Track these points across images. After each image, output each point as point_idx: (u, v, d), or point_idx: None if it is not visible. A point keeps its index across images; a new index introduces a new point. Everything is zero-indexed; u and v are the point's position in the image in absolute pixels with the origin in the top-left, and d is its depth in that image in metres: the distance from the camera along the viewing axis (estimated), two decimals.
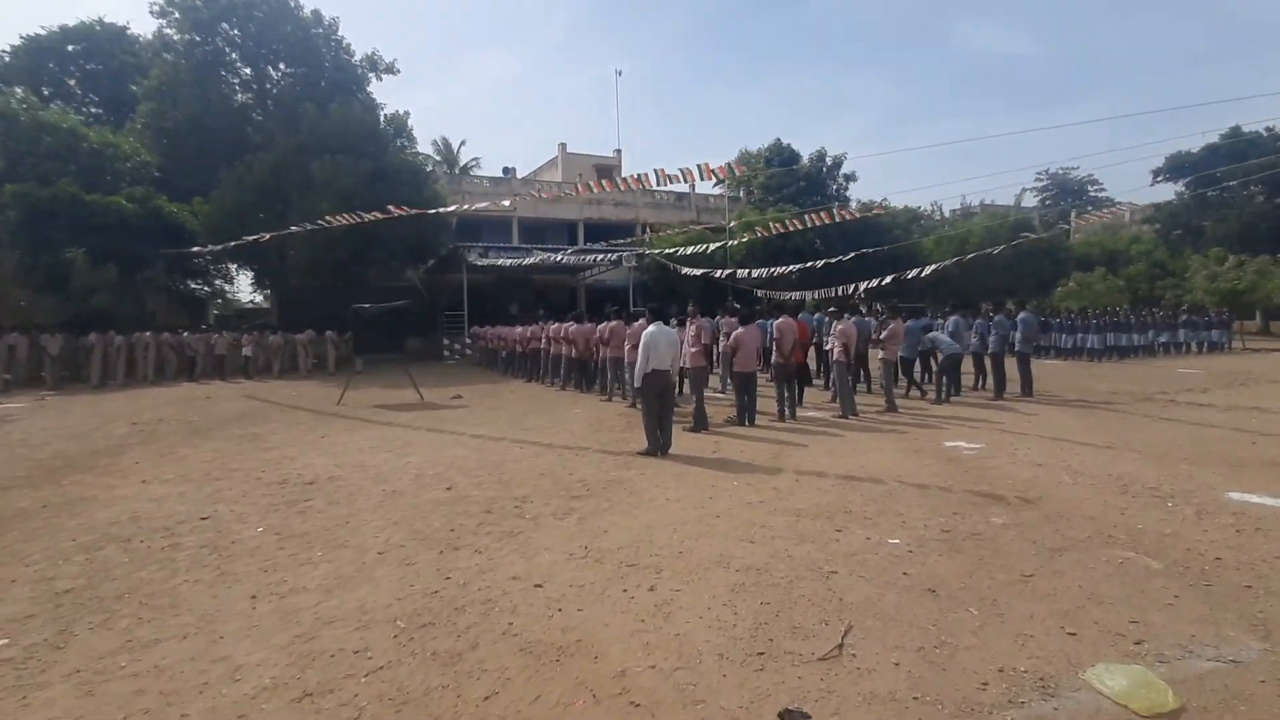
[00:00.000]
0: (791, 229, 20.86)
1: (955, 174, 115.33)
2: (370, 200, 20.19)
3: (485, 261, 24.97)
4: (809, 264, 21.64)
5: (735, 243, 32.79)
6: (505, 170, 36.59)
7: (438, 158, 43.19)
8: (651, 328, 7.32)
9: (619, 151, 38.21)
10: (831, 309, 13.07)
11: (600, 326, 12.29)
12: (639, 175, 12.76)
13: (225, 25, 23.19)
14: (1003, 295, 41.53)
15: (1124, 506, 5.17)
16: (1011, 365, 12.05)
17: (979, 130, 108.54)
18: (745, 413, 9.18)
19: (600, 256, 27.91)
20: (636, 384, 7.33)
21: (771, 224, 32.65)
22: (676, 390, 9.03)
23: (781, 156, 36.19)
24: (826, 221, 16.51)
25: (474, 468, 7.03)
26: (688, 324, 9.42)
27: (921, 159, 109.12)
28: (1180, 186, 38.31)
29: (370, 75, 26.29)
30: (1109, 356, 20.25)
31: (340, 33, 25.10)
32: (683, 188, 37.98)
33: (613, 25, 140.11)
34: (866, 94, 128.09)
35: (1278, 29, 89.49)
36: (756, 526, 4.82)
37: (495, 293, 32.86)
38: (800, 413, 10.33)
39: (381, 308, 12.86)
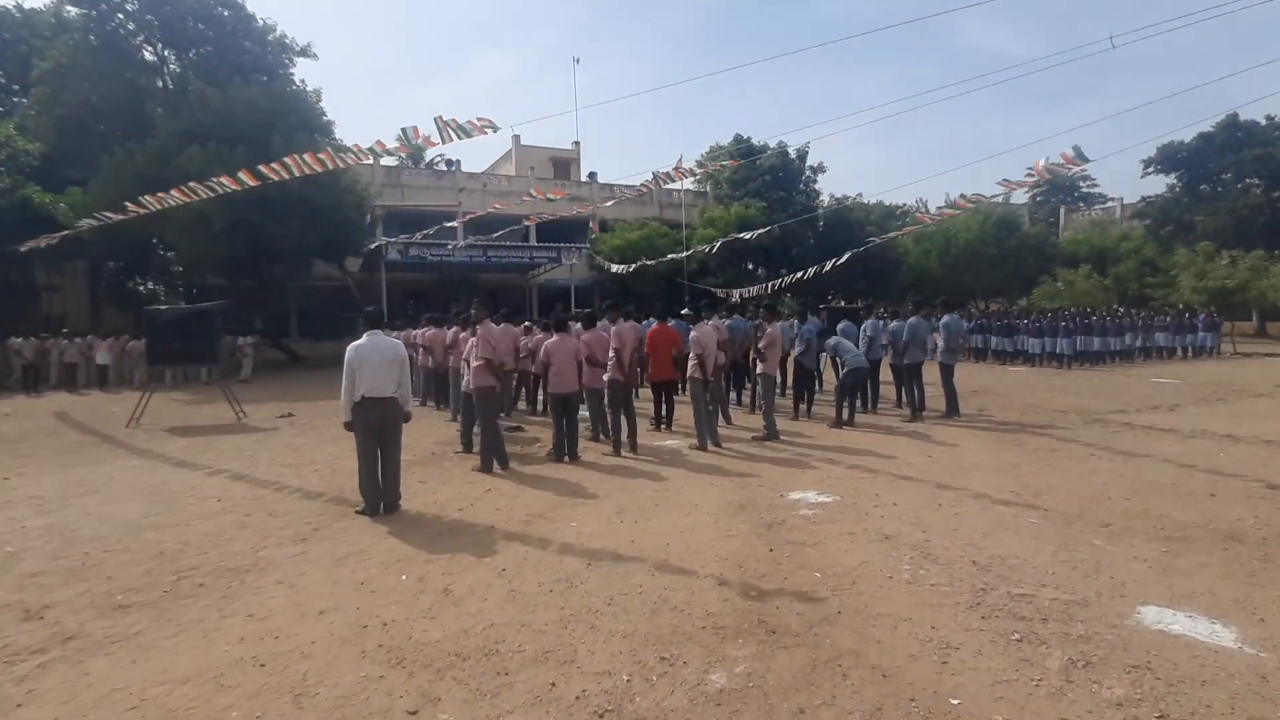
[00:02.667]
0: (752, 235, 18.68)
1: (953, 173, 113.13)
2: (255, 193, 18.19)
3: (402, 258, 22.88)
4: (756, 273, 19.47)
5: (696, 237, 30.75)
6: (449, 163, 34.54)
7: (403, 152, 41.23)
8: (362, 339, 5.25)
9: (578, 144, 36.06)
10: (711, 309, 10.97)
11: (452, 331, 10.27)
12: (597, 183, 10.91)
13: (128, 4, 21.15)
14: (989, 293, 39.58)
15: (959, 642, 3.08)
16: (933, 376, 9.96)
17: (977, 129, 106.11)
18: (561, 444, 7.12)
19: (529, 254, 25.81)
20: (345, 417, 5.27)
21: (735, 218, 30.94)
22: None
23: (745, 150, 34.10)
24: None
25: (98, 535, 4.98)
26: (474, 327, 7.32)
27: (917, 158, 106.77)
28: (1172, 179, 36.14)
29: (287, 59, 24.28)
30: (1080, 363, 18.13)
31: (252, 11, 23.07)
32: (644, 178, 36.00)
33: (613, 26, 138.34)
34: (866, 94, 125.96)
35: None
36: (287, 694, 2.75)
37: (439, 293, 30.85)
38: (658, 441, 8.26)
39: (183, 310, 10.80)
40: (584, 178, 34.88)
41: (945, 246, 35.73)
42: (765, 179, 33.62)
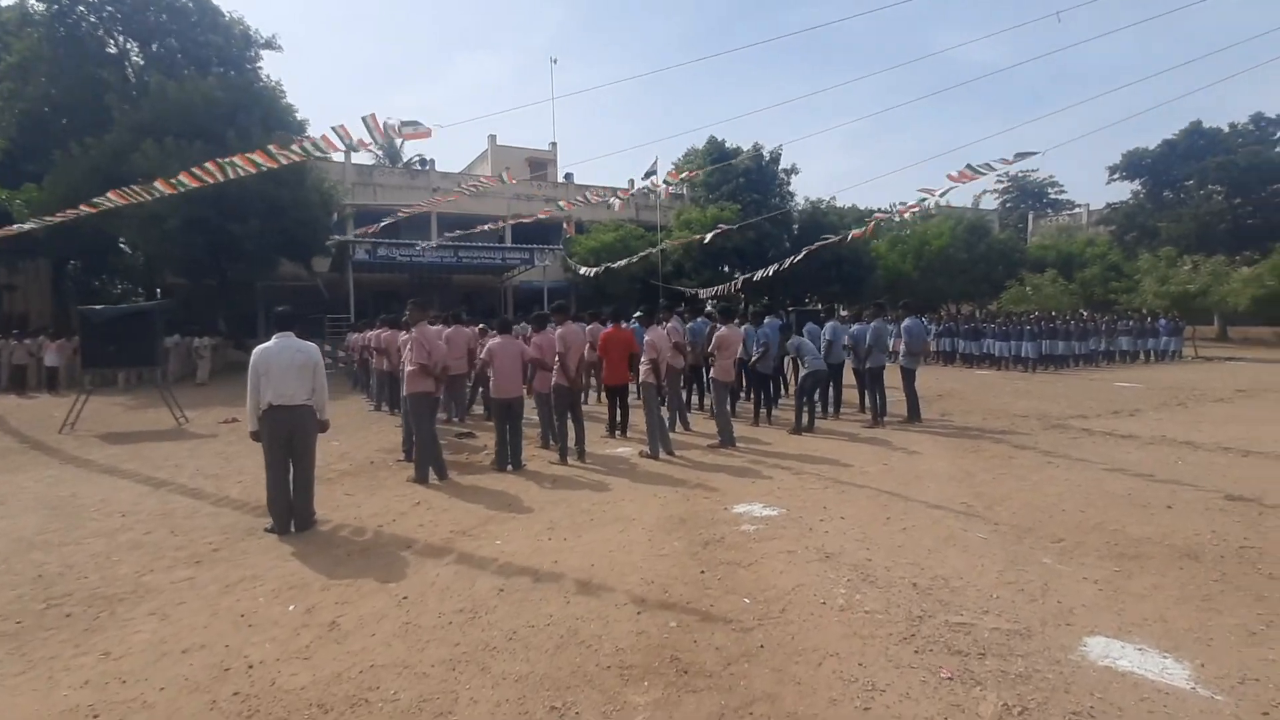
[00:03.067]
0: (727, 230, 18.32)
1: (927, 178, 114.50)
2: (213, 189, 17.48)
3: (370, 257, 22.29)
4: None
5: (672, 239, 30.50)
6: (423, 161, 33.90)
7: (381, 152, 40.40)
8: (269, 342, 4.85)
9: (554, 145, 35.63)
10: (684, 311, 10.69)
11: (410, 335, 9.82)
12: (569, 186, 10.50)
13: None
14: (960, 297, 39.91)
15: (886, 682, 2.79)
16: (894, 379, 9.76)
17: (956, 136, 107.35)
18: (504, 452, 6.76)
19: (501, 256, 25.36)
20: (251, 426, 4.86)
21: (709, 220, 30.71)
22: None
23: (719, 154, 33.94)
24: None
25: None
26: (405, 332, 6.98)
27: (894, 163, 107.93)
28: (1137, 185, 36.77)
29: (253, 53, 23.57)
30: (1045, 366, 18.18)
31: (217, 4, 22.33)
32: (620, 183, 35.67)
33: (602, 31, 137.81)
34: (848, 102, 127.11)
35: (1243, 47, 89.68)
36: None
37: (412, 294, 30.20)
38: (610, 449, 7.93)
39: (119, 311, 10.21)
40: (560, 179, 34.48)
41: (919, 251, 35.95)
42: (740, 181, 33.49)
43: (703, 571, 4.05)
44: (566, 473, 6.75)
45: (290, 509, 4.91)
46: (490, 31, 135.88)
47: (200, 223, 17.08)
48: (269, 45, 23.49)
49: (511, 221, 20.53)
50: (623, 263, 19.60)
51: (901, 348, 9.50)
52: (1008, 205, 61.67)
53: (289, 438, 4.84)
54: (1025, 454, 7.44)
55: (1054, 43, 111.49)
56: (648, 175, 29.98)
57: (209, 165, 9.78)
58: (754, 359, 9.11)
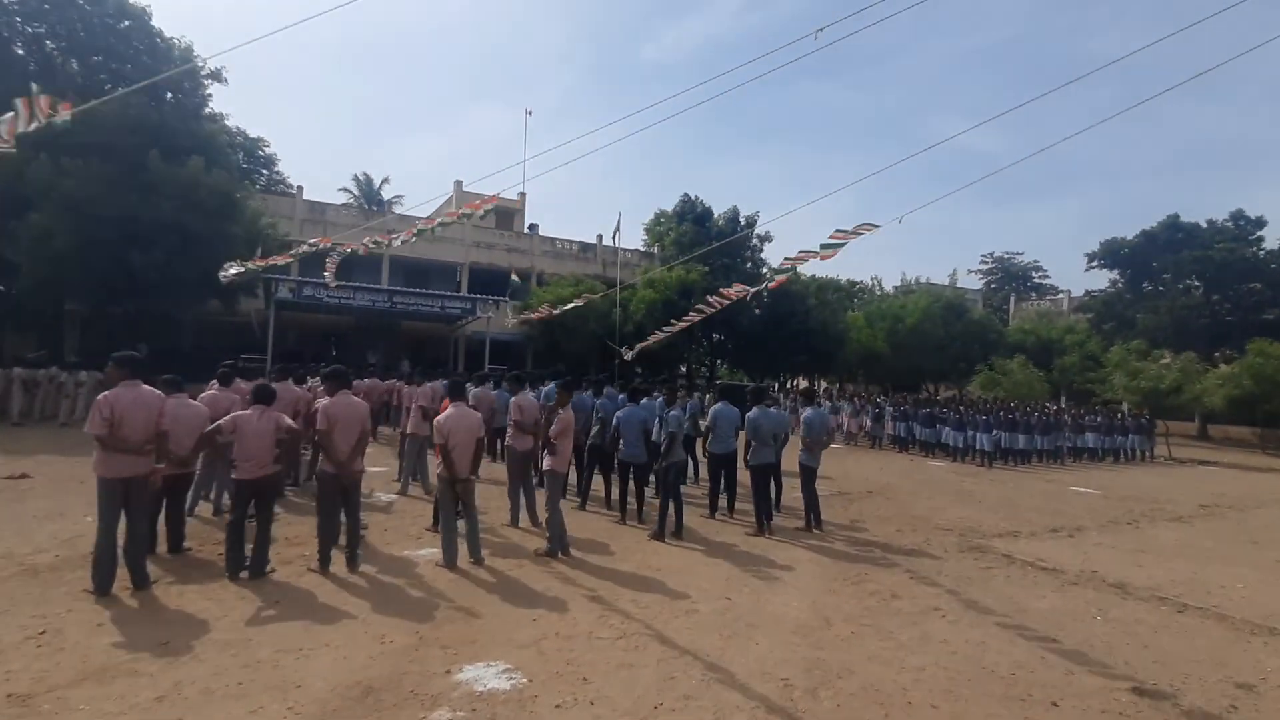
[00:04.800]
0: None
1: (917, 256, 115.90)
2: (117, 212, 16.43)
3: (294, 296, 21.10)
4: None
5: (636, 298, 29.57)
6: (380, 203, 33.26)
7: (355, 192, 39.98)
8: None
9: (523, 195, 35.17)
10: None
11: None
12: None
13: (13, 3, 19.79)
14: (935, 378, 38.83)
15: None
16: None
17: (947, 218, 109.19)
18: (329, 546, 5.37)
19: (440, 304, 24.28)
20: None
21: (675, 281, 29.85)
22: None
23: (693, 214, 33.48)
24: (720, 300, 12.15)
25: None
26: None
27: (888, 241, 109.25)
28: (1115, 274, 36.33)
29: (202, 83, 23.05)
30: (1006, 460, 16.82)
31: (158, 26, 21.87)
32: (588, 239, 34.98)
33: (608, 94, 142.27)
34: (839, 177, 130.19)
35: (1237, 147, 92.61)
36: None
37: (357, 339, 28.94)
38: (417, 550, 6.45)
39: None
40: (525, 229, 33.87)
41: (893, 326, 34.99)
42: (712, 243, 32.86)
43: None
44: (318, 585, 5.26)
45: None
46: (502, 88, 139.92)
47: (97, 246, 15.90)
48: (215, 77, 22.99)
49: (466, 266, 19.29)
50: (562, 309, 18.25)
51: (804, 441, 8.14)
52: (992, 286, 61.69)
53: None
54: (915, 592, 5.98)
55: (1045, 135, 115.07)
56: (614, 233, 29.46)
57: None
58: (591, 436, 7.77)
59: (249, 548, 5.39)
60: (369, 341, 28.58)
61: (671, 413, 7.36)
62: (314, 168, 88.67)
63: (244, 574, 5.30)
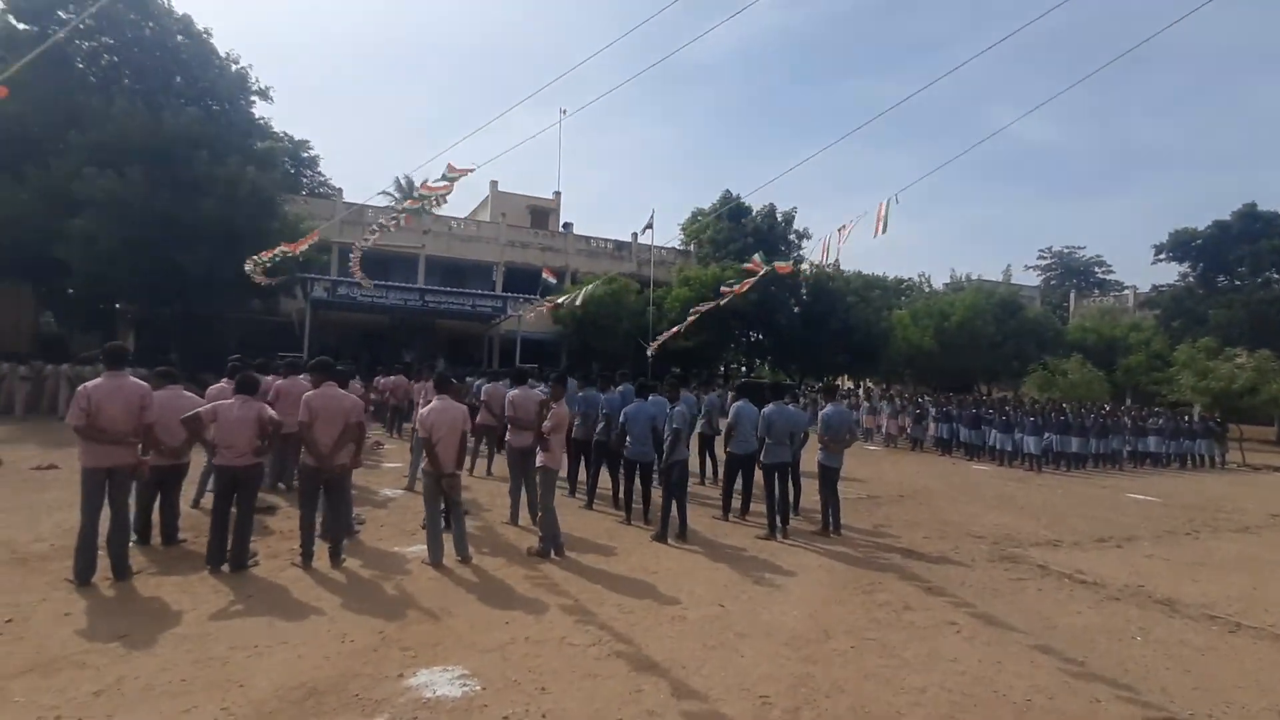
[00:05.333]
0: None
1: (975, 254, 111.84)
2: (161, 212, 16.99)
3: (329, 296, 21.57)
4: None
5: (670, 296, 29.28)
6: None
7: (396, 194, 40.92)
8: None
9: (558, 194, 35.24)
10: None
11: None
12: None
13: (78, 22, 20.81)
14: (986, 376, 37.05)
15: None
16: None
17: (1006, 215, 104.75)
18: (311, 540, 5.34)
19: (471, 302, 24.47)
20: None
21: (711, 280, 29.35)
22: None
23: (730, 210, 32.88)
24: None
25: None
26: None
27: (942, 238, 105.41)
28: (1185, 268, 34.00)
29: (248, 99, 23.99)
30: (1053, 464, 15.80)
31: (215, 42, 22.78)
32: (624, 236, 34.77)
33: (655, 94, 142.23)
34: (896, 173, 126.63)
35: None
36: None
37: (395, 337, 29.45)
38: (409, 546, 6.31)
39: None
40: (560, 228, 33.91)
41: (940, 324, 33.50)
42: (749, 240, 32.24)
43: None
44: (297, 579, 5.15)
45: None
46: (549, 92, 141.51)
47: (142, 246, 16.52)
48: (262, 95, 23.94)
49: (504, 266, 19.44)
50: (573, 296, 18.06)
51: (823, 441, 7.69)
52: (1051, 282, 58.71)
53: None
54: (931, 604, 5.49)
55: (1105, 123, 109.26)
56: (644, 229, 29.18)
57: None
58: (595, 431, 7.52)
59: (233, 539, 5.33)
60: (405, 340, 29.04)
61: (675, 409, 7.02)
62: (359, 171, 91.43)
63: (225, 567, 5.24)
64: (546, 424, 6.29)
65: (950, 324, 32.55)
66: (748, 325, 31.39)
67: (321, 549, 5.63)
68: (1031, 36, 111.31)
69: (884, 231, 9.43)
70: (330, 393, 5.62)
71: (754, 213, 32.83)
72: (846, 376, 37.43)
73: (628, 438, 7.33)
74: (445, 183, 8.95)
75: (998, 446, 16.28)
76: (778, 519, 7.48)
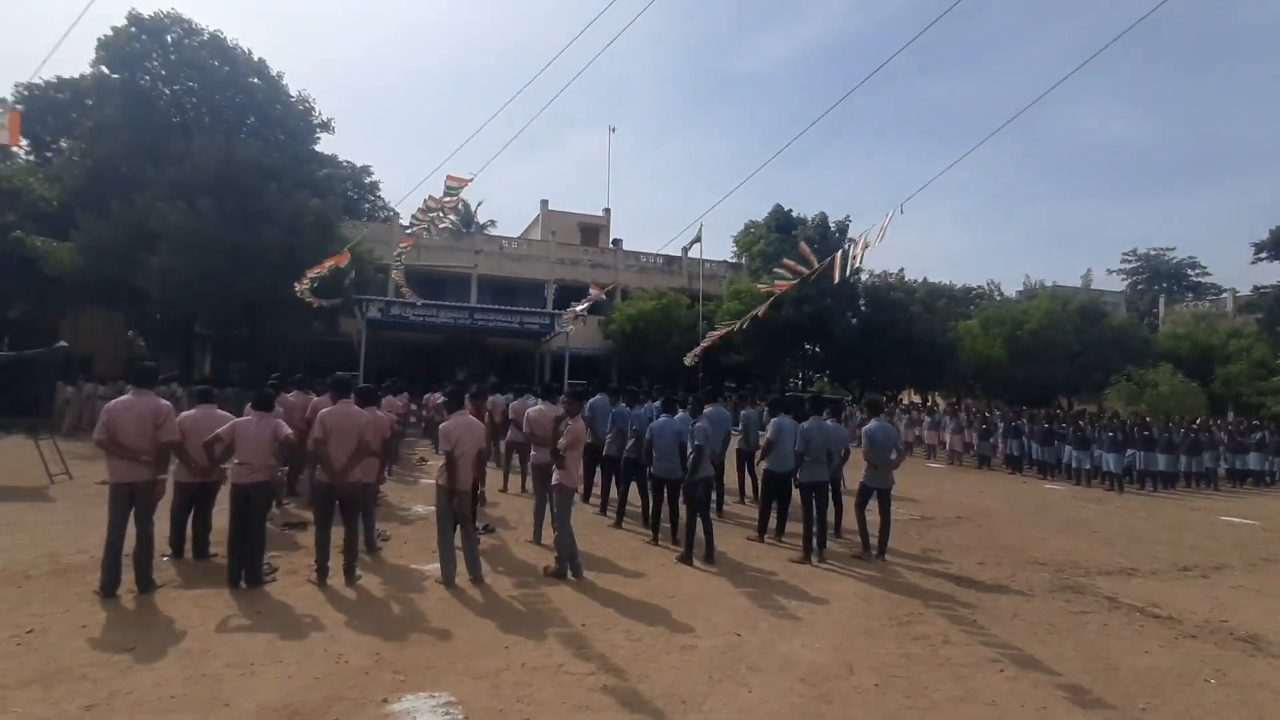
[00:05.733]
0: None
1: (1050, 260, 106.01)
2: (230, 244, 18.02)
3: (383, 316, 22.34)
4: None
5: (721, 311, 28.89)
6: (468, 225, 34.74)
7: (455, 218, 42.45)
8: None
9: (608, 211, 35.50)
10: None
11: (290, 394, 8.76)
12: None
13: (162, 69, 22.59)
14: (1066, 389, 34.58)
15: None
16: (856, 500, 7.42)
17: (1080, 216, 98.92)
18: (326, 558, 5.46)
19: (519, 320, 24.80)
20: None
21: (761, 293, 28.82)
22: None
23: (781, 222, 32.24)
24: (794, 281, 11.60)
25: None
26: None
27: (1005, 242, 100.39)
28: None
29: (316, 134, 25.48)
30: (1138, 484, 14.49)
31: (287, 83, 24.32)
32: (674, 251, 34.62)
33: (707, 104, 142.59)
34: (962, 179, 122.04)
35: None
36: None
37: (445, 356, 30.19)
38: (426, 564, 6.28)
39: (4, 358, 9.96)
40: (609, 244, 34.12)
41: (1012, 334, 31.49)
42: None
43: None
44: (315, 592, 5.17)
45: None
46: (601, 111, 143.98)
47: (214, 275, 17.57)
48: (324, 127, 25.30)
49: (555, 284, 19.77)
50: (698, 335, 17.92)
51: (869, 457, 7.25)
52: (1138, 287, 54.69)
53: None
54: (974, 639, 5.00)
55: (1190, 115, 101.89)
56: (692, 243, 28.95)
57: None
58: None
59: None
60: (458, 358, 29.70)
61: (696, 425, 6.75)
62: (416, 194, 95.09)
63: (243, 583, 5.32)
64: (562, 441, 6.15)
65: (1024, 333, 30.61)
66: (804, 338, 30.56)
67: (337, 565, 5.65)
68: (1086, 33, 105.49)
69: (880, 242, 8.95)
70: (345, 410, 5.68)
71: (807, 222, 32.03)
72: (911, 390, 35.82)
73: (653, 454, 7.12)
74: (451, 196, 9.15)
75: (1074, 464, 15.09)
76: (814, 541, 7.07)
